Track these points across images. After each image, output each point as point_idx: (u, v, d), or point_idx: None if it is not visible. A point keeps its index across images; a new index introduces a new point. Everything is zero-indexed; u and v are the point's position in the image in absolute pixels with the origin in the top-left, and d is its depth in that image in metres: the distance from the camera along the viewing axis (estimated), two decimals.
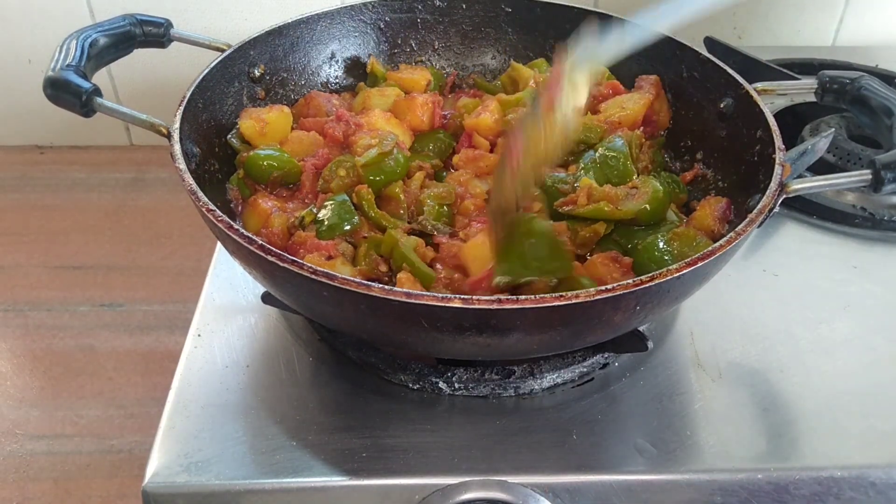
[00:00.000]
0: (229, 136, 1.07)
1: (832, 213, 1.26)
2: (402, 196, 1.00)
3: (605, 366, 0.98)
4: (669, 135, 1.17)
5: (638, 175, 1.03)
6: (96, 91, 0.93)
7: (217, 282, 1.08)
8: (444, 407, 0.93)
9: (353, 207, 0.97)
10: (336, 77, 1.26)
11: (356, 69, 1.28)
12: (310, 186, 1.00)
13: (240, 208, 1.01)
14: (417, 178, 1.03)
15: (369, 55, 1.27)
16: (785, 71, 1.52)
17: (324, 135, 1.08)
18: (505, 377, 0.95)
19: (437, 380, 0.94)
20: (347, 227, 0.95)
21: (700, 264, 0.76)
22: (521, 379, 0.95)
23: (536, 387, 0.95)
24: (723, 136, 1.08)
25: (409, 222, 0.99)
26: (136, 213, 1.75)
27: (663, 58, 1.18)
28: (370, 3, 1.24)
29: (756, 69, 1.50)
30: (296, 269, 0.73)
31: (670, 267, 0.75)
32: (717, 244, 0.78)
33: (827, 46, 1.87)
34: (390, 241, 0.92)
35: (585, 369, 0.97)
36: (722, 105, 1.08)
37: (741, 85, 1.05)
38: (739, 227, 0.81)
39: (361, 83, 1.25)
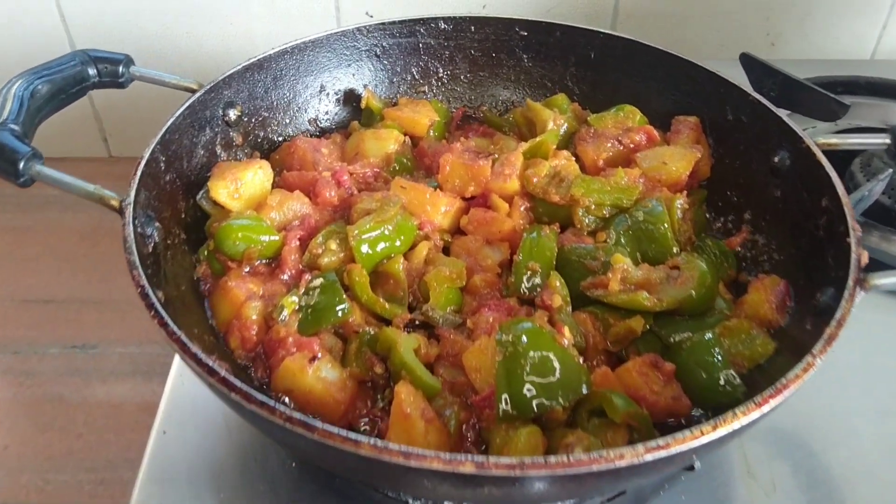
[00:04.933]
0: (199, 195, 0.91)
1: None
2: (402, 275, 0.84)
3: None
4: (711, 186, 1.01)
5: (679, 249, 0.87)
6: (35, 155, 0.78)
7: (185, 368, 0.93)
8: None
9: (342, 290, 0.82)
10: (327, 113, 1.10)
11: (350, 101, 1.12)
12: (293, 263, 0.85)
13: (209, 288, 0.86)
14: (421, 250, 0.88)
15: (365, 86, 1.11)
16: (829, 94, 1.35)
17: (314, 196, 0.92)
18: None
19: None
20: (337, 316, 0.80)
21: (770, 403, 0.61)
22: None
23: None
24: (777, 197, 0.92)
25: (410, 309, 0.84)
26: (114, 236, 1.59)
27: (704, 95, 1.02)
28: (365, 27, 1.07)
29: (797, 92, 1.33)
30: (266, 415, 0.58)
31: (736, 410, 0.60)
32: (786, 378, 0.63)
33: (866, 60, 1.70)
34: (387, 341, 0.77)
35: None
36: (776, 159, 0.92)
37: (800, 138, 0.89)
38: (816, 348, 0.65)
39: (355, 122, 1.09)
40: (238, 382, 0.60)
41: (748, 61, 1.40)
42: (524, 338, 0.72)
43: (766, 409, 0.60)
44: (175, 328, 0.64)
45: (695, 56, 1.63)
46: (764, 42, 1.70)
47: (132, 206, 0.76)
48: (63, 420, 1.28)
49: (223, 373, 0.61)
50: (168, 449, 0.85)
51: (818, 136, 0.90)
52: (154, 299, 0.66)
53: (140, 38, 1.54)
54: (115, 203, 0.76)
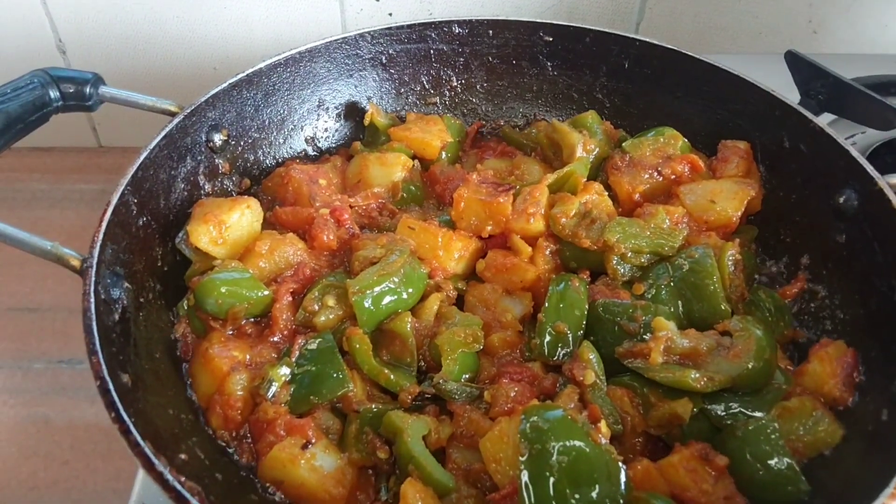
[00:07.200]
0: (178, 239, 0.80)
1: None
2: (410, 336, 0.73)
3: None
4: (761, 222, 0.89)
5: (731, 310, 0.76)
6: None
7: None
8: None
9: (340, 357, 0.71)
10: (326, 130, 0.98)
11: (353, 116, 1.00)
12: (284, 323, 0.73)
13: (189, 352, 0.75)
14: (432, 304, 0.76)
15: (369, 99, 0.99)
16: (885, 101, 1.22)
17: (310, 239, 0.80)
18: None
19: None
20: (336, 392, 0.69)
21: None
22: None
23: None
24: (841, 243, 0.80)
25: (419, 375, 0.73)
26: None
27: (756, 116, 0.90)
28: (369, 33, 0.95)
29: (848, 96, 1.20)
30: None
31: None
32: None
33: None
34: (392, 427, 0.66)
35: None
36: (841, 198, 0.80)
37: (871, 178, 0.76)
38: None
39: (357, 142, 0.97)
40: None
41: (794, 60, 1.26)
42: (552, 433, 0.61)
43: None
44: (139, 438, 0.53)
45: (731, 45, 1.50)
46: (806, 29, 1.56)
47: (95, 267, 0.64)
48: (48, 444, 1.19)
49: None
50: None
51: (888, 175, 0.77)
52: (116, 398, 0.55)
53: (126, 24, 1.41)
54: (76, 263, 0.65)
